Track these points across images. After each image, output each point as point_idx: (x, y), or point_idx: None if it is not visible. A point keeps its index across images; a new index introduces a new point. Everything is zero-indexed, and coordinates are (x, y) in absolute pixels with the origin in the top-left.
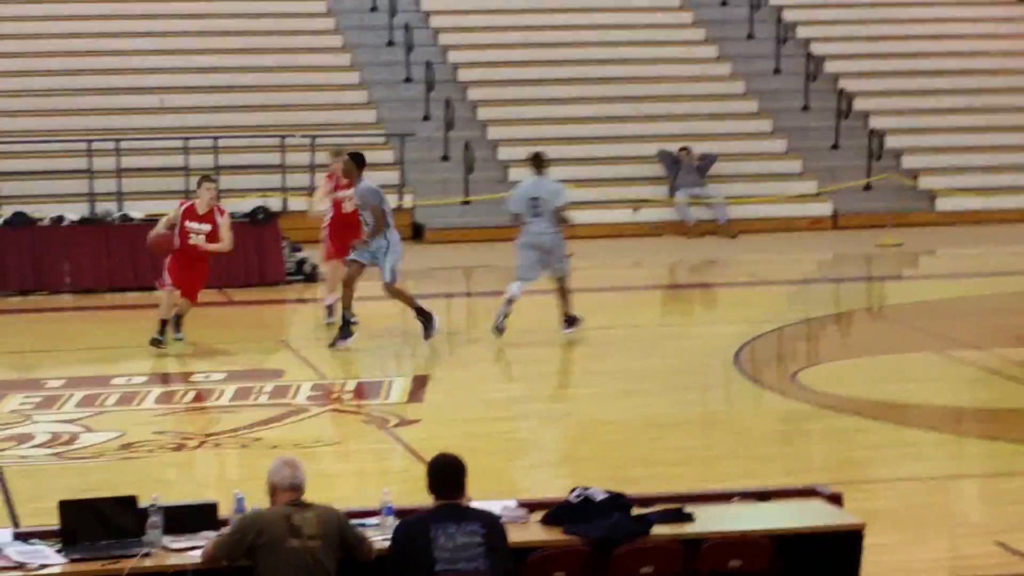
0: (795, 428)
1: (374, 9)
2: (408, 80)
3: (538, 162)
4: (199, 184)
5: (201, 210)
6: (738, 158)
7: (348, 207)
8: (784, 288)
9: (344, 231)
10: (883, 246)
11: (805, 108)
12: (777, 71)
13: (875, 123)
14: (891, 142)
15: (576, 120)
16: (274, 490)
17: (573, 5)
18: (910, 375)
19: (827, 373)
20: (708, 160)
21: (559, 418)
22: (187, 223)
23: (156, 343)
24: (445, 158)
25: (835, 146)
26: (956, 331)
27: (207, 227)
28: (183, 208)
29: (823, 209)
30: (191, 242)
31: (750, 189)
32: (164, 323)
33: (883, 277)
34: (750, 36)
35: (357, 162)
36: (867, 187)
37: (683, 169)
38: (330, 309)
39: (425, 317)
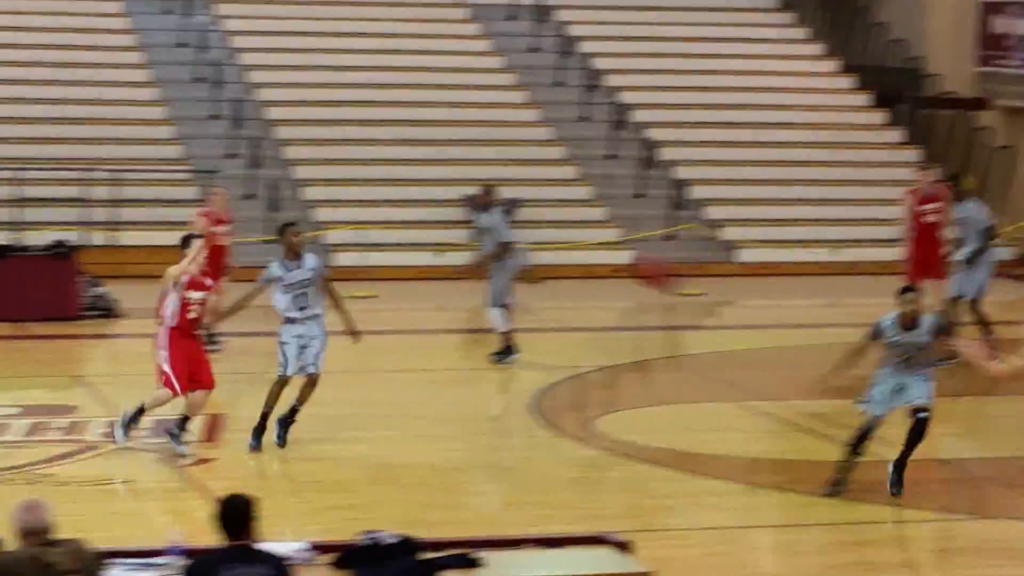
0: (592, 475)
1: (183, 45)
2: (215, 117)
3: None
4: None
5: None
6: (543, 204)
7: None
8: (585, 335)
9: None
10: (683, 295)
11: (611, 156)
12: (584, 119)
13: (679, 173)
14: (694, 192)
15: (383, 162)
16: (21, 534)
17: (382, 47)
18: (706, 425)
19: (625, 421)
20: (513, 205)
21: (354, 460)
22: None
23: None
24: (250, 196)
25: (639, 195)
26: (753, 382)
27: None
28: None
29: (624, 257)
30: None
31: (554, 235)
32: None
33: (683, 326)
34: (558, 83)
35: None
36: (669, 236)
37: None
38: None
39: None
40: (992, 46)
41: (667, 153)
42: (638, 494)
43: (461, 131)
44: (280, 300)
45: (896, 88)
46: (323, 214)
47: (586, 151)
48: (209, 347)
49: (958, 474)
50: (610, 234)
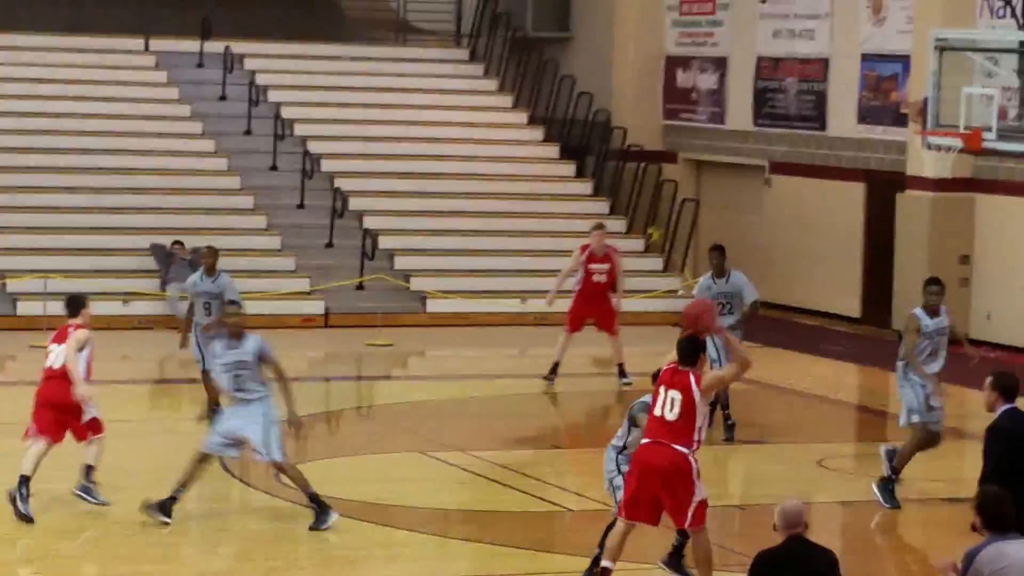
0: (281, 527)
1: None
2: None
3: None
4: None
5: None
6: (232, 254)
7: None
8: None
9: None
10: (373, 346)
11: (301, 206)
12: (274, 168)
13: (369, 223)
14: (384, 243)
15: (71, 209)
16: None
17: (67, 93)
18: (395, 475)
19: (314, 472)
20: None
21: (40, 514)
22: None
23: None
24: None
25: (329, 244)
26: (441, 432)
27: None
28: None
29: (315, 307)
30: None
31: (244, 285)
32: None
33: (372, 377)
34: (248, 132)
35: None
36: (359, 286)
37: (176, 263)
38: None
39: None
40: (677, 100)
41: (357, 203)
42: (328, 545)
43: (149, 179)
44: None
45: (583, 140)
46: (5, 262)
47: (275, 200)
48: None
49: None
50: (300, 284)
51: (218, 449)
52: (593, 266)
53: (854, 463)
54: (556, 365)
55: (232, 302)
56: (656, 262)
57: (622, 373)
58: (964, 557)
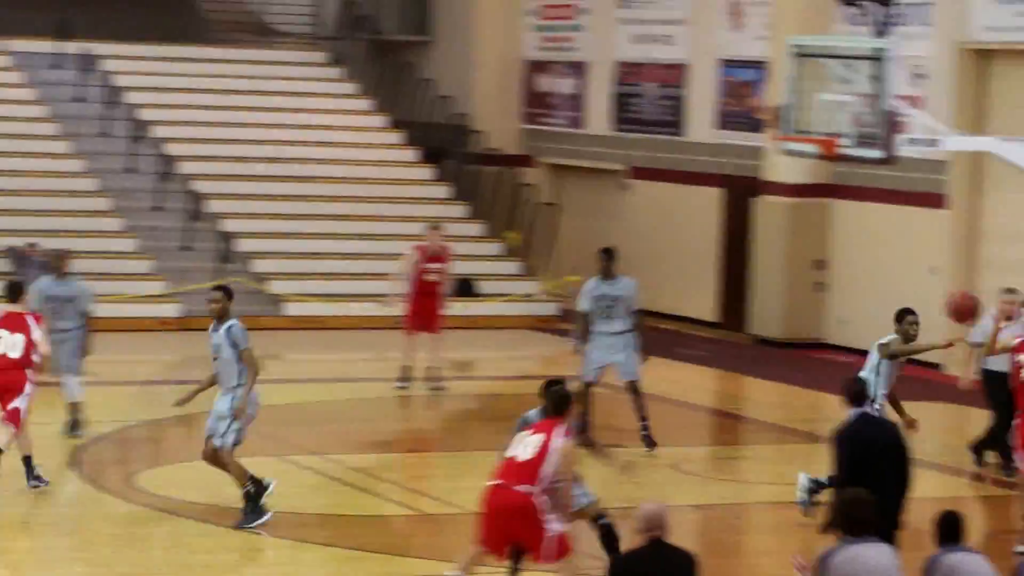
0: (135, 532)
1: None
2: None
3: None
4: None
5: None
6: (88, 256)
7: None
8: (129, 389)
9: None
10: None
11: (157, 208)
12: (130, 170)
13: (226, 226)
14: (242, 245)
15: None
16: None
17: None
18: None
19: (167, 476)
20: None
21: None
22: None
23: None
24: None
25: (186, 247)
26: (296, 436)
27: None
28: None
29: (171, 310)
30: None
31: (99, 287)
32: None
33: None
34: (104, 133)
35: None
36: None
37: (31, 265)
38: None
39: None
40: (536, 104)
41: (214, 206)
42: (182, 551)
43: (4, 181)
44: None
45: (443, 144)
46: None
47: (132, 203)
48: None
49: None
50: (156, 287)
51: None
52: (429, 265)
53: (709, 467)
54: (408, 369)
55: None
56: (515, 266)
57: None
58: (818, 560)
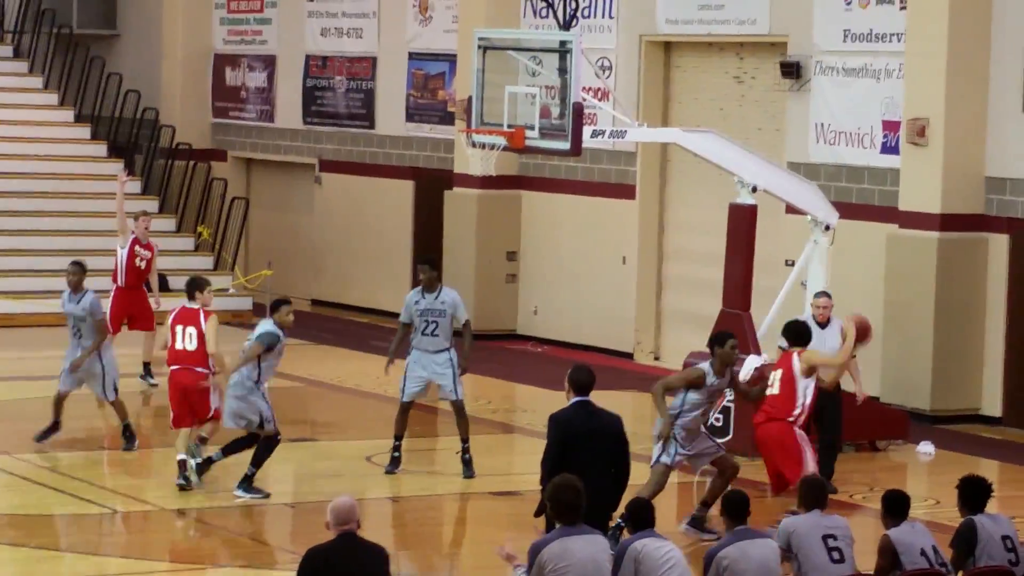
0: None
1: None
2: None
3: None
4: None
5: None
6: None
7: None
8: None
9: None
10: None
11: None
12: None
13: None
14: None
15: None
16: None
17: None
18: None
19: None
20: None
21: None
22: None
23: None
24: None
25: None
26: None
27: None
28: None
29: None
30: None
31: None
32: None
33: None
34: None
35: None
36: None
37: None
38: None
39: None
40: (226, 98)
41: None
42: None
43: None
44: None
45: (131, 139)
46: None
47: None
48: None
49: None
50: None
51: None
52: (138, 249)
53: (405, 459)
54: (147, 365)
55: None
56: (206, 261)
57: (148, 373)
58: (530, 550)
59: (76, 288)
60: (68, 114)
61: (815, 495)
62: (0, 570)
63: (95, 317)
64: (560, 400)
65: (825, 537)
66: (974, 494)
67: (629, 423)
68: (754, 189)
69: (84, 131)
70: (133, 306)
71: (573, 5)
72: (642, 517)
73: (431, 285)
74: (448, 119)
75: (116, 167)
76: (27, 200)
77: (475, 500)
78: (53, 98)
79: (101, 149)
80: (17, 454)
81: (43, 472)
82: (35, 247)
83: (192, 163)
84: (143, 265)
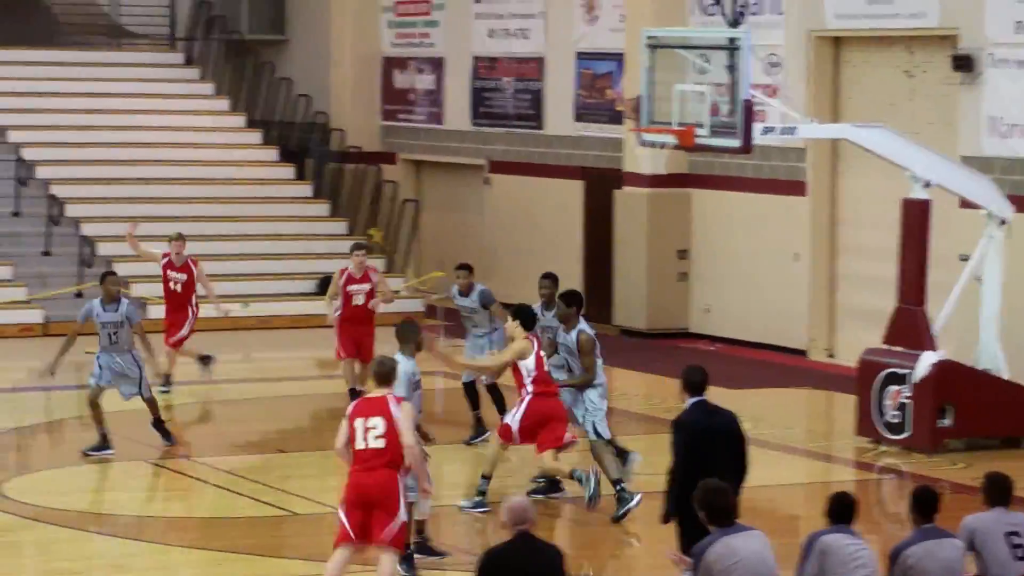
0: (3, 539)
1: None
2: None
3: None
4: (351, 251)
5: (357, 274)
6: None
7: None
8: None
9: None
10: (91, 353)
11: (16, 214)
12: None
13: (87, 230)
14: (103, 249)
15: None
16: None
17: None
18: (113, 484)
19: (33, 483)
20: None
21: None
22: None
23: None
24: None
25: (46, 252)
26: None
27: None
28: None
29: (33, 316)
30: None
31: None
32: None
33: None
34: None
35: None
36: (79, 294)
37: None
38: None
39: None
40: (395, 101)
41: (74, 210)
42: (50, 557)
43: None
44: None
45: (302, 143)
46: None
47: None
48: None
49: None
50: (17, 293)
51: None
52: (171, 273)
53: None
54: (352, 391)
55: None
56: (378, 263)
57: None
58: (693, 554)
59: (114, 299)
60: (239, 120)
61: (999, 492)
62: (178, 572)
63: (133, 321)
64: (734, 399)
65: (1008, 534)
66: None
67: (805, 421)
68: (927, 184)
69: (255, 136)
70: (173, 327)
71: (741, 1)
72: (840, 512)
73: (550, 302)
74: (616, 118)
75: (287, 171)
76: (200, 206)
77: (646, 500)
78: (224, 104)
79: (272, 154)
80: (197, 458)
81: (222, 475)
82: (209, 252)
83: (362, 166)
84: (178, 288)
